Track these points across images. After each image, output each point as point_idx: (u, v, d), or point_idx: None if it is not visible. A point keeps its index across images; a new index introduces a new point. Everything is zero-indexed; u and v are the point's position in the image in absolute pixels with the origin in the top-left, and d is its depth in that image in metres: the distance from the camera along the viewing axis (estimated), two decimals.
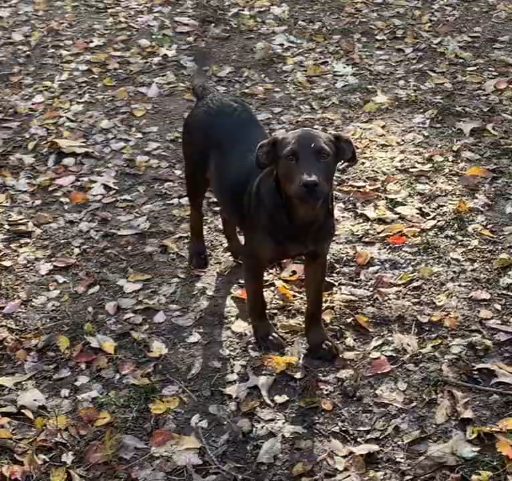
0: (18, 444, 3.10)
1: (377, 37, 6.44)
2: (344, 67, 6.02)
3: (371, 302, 3.71)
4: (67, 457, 3.04)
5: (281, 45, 6.39)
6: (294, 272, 3.91)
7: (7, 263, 4.09)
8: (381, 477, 2.86)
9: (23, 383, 3.39)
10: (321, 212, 3.15)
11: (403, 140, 5.00)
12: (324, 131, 3.33)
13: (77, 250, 4.17)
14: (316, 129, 3.34)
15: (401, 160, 4.78)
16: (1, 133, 5.25)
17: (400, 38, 6.43)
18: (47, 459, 3.04)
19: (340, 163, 3.27)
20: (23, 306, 3.82)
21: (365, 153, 4.86)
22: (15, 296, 3.88)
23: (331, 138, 3.08)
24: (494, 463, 2.86)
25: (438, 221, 4.22)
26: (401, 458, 2.92)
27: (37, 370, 3.45)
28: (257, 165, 3.15)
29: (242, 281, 3.78)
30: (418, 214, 4.30)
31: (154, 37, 6.54)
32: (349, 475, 2.87)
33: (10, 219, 4.42)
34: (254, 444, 3.06)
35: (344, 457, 2.95)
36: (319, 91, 5.69)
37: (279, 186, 3.12)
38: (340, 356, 3.41)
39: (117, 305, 3.78)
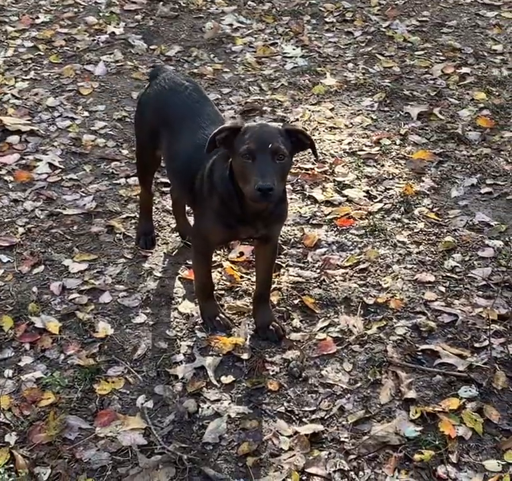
0: None
1: (327, 20, 6.44)
2: (293, 49, 6.01)
3: (318, 283, 3.73)
4: (11, 438, 3.01)
5: (231, 25, 6.36)
6: (242, 254, 3.91)
7: None
8: (326, 457, 2.88)
9: None
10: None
11: (351, 123, 5.02)
12: (282, 123, 3.29)
13: (21, 230, 4.11)
14: (270, 122, 3.30)
15: (349, 143, 4.80)
16: None
17: (349, 21, 6.44)
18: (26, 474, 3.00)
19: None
20: None
21: (313, 135, 4.86)
22: None
23: (287, 133, 3.05)
24: (437, 442, 2.91)
25: (385, 204, 4.25)
26: (345, 438, 2.95)
27: None
28: (206, 149, 3.10)
29: (190, 262, 3.77)
30: (365, 196, 4.33)
31: (101, 14, 6.44)
32: (294, 455, 2.89)
33: None
34: (200, 424, 3.06)
35: (289, 437, 2.97)
36: (268, 73, 5.68)
37: (233, 175, 3.11)
38: (287, 337, 3.42)
39: (62, 285, 3.74)
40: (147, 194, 3.99)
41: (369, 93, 5.36)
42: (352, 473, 2.81)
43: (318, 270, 3.82)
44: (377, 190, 4.38)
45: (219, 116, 3.56)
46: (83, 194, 4.39)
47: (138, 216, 4.10)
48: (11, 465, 2.90)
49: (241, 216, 3.17)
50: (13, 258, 3.93)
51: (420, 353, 3.31)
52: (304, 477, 2.81)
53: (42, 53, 5.88)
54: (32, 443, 2.98)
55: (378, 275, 3.76)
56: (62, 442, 2.98)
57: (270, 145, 2.96)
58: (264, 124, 3.19)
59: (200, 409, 3.12)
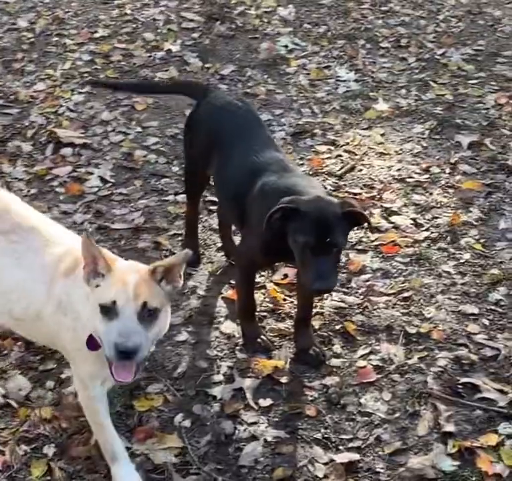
0: (0, 434, 3.09)
1: (382, 45, 6.45)
2: (347, 73, 6.03)
3: (360, 310, 3.72)
4: (49, 450, 3.05)
5: (286, 46, 6.39)
6: (285, 276, 3.92)
7: None
8: None
9: (9, 372, 3.39)
10: None
11: (401, 149, 5.02)
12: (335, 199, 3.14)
13: None
14: (328, 196, 3.20)
15: (398, 169, 4.80)
16: (1, 119, 5.24)
17: (404, 47, 6.43)
18: (29, 451, 3.05)
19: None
20: None
21: (363, 160, 4.87)
22: None
23: (346, 214, 3.03)
24: (473, 478, 2.88)
25: (432, 233, 4.23)
26: (381, 468, 2.94)
27: (24, 360, 3.45)
28: (264, 227, 3.07)
29: (234, 282, 3.79)
30: (412, 224, 4.31)
31: (159, 31, 6.53)
32: None
33: None
34: (236, 446, 3.07)
35: (325, 464, 2.97)
36: (320, 95, 5.70)
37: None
38: (327, 363, 3.42)
39: None
40: (194, 212, 4.02)
41: (421, 120, 5.34)
42: None
43: (361, 297, 3.81)
44: (424, 218, 4.36)
45: (271, 140, 3.59)
46: (132, 209, 4.44)
47: (184, 233, 4.13)
48: (48, 478, 2.93)
49: (286, 246, 3.18)
50: None
51: (460, 386, 3.28)
52: None
53: (99, 67, 5.97)
54: (70, 456, 3.01)
55: (422, 304, 3.74)
56: (100, 457, 3.00)
57: (328, 240, 2.98)
58: (321, 208, 3.05)
59: (236, 431, 3.13)
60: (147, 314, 2.48)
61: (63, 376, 3.36)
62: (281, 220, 3.04)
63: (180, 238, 4.19)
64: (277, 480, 2.92)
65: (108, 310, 2.45)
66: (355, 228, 3.27)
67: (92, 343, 2.61)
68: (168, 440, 3.08)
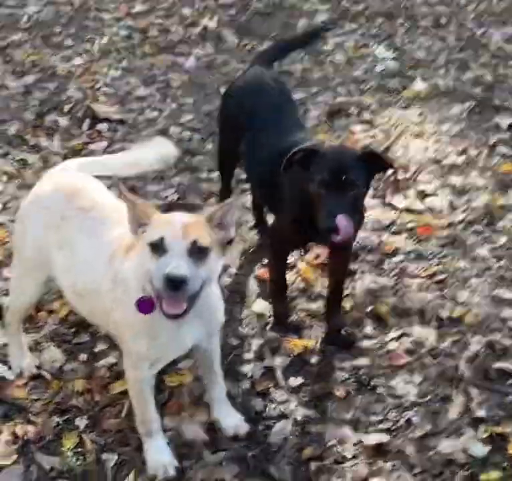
0: (33, 405, 3.14)
1: (421, 23, 6.36)
2: (385, 51, 5.96)
3: (393, 292, 3.71)
4: (81, 422, 3.09)
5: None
6: (318, 256, 3.91)
7: None
8: (390, 469, 2.86)
9: (43, 344, 3.43)
10: None
11: (438, 130, 4.96)
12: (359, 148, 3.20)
13: None
14: (344, 145, 3.23)
15: (435, 150, 4.74)
16: (39, 93, 5.27)
17: (443, 25, 6.34)
18: (61, 422, 3.09)
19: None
20: None
21: (399, 140, 4.82)
22: None
23: (363, 157, 3.03)
24: (505, 464, 2.86)
25: (468, 215, 4.19)
26: (410, 451, 2.93)
27: (57, 333, 3.48)
28: (283, 167, 3.11)
29: (266, 261, 3.79)
30: (447, 206, 4.28)
31: (196, 7, 6.50)
32: (357, 464, 2.88)
33: None
34: (266, 424, 3.08)
35: (354, 445, 2.97)
36: (357, 74, 5.65)
37: None
38: (358, 344, 3.42)
39: None
40: (227, 190, 4.02)
41: (459, 101, 5.27)
42: None
43: (394, 279, 3.79)
44: (460, 201, 4.32)
45: (301, 122, 3.57)
46: (166, 186, 4.45)
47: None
48: (80, 449, 2.97)
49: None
50: None
51: (493, 372, 3.26)
52: None
53: (136, 43, 5.97)
54: (101, 429, 3.05)
55: (455, 288, 3.72)
56: (131, 430, 3.02)
57: (344, 177, 2.95)
58: (340, 150, 3.15)
59: (266, 409, 3.14)
60: (197, 251, 2.46)
61: (96, 350, 3.40)
62: (301, 164, 3.05)
63: None
64: (306, 459, 2.92)
65: (157, 248, 2.45)
66: (379, 173, 3.22)
67: (143, 305, 2.60)
68: (197, 416, 3.09)
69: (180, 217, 2.56)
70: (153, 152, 3.26)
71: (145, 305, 2.58)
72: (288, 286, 3.58)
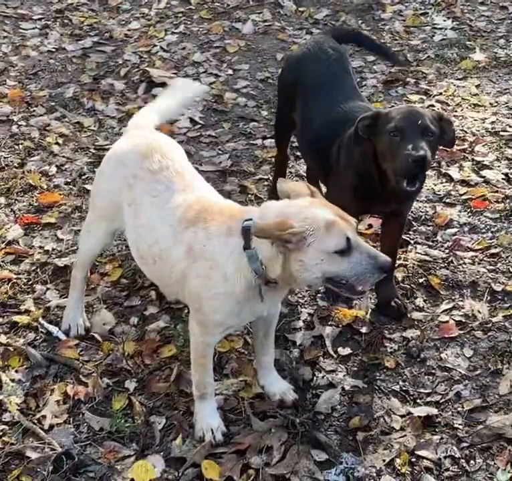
0: (84, 366, 3.18)
1: None
2: (444, 21, 5.87)
3: (445, 264, 3.67)
4: (130, 384, 3.11)
5: None
6: (370, 226, 3.89)
7: (90, 187, 4.13)
8: (437, 441, 2.86)
9: (95, 306, 3.46)
10: None
11: (497, 102, 4.88)
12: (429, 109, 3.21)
13: None
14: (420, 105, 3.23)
15: (492, 122, 4.67)
16: (96, 56, 5.28)
17: None
18: (111, 384, 3.12)
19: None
20: None
21: (456, 111, 4.76)
22: None
23: (436, 117, 3.02)
24: None
25: None
26: (459, 424, 2.92)
27: (109, 296, 3.52)
28: (354, 141, 3.08)
29: None
30: (503, 179, 4.22)
31: None
32: (405, 435, 2.88)
33: (96, 143, 4.47)
34: (314, 393, 3.08)
35: (402, 416, 2.96)
36: (415, 43, 5.57)
37: (375, 156, 3.08)
38: (408, 315, 3.40)
39: None
40: (282, 157, 4.00)
41: None
42: (463, 461, 2.79)
43: (447, 251, 3.76)
44: None
45: (357, 91, 3.52)
46: (220, 152, 4.44)
47: (271, 178, 4.12)
48: (129, 411, 3.00)
49: (376, 193, 3.15)
50: None
51: None
52: (413, 459, 2.80)
53: (193, 8, 5.94)
54: (150, 392, 3.08)
55: (509, 262, 3.67)
56: (179, 394, 3.05)
57: (419, 122, 2.93)
58: (410, 105, 3.14)
59: (314, 378, 3.14)
60: None
61: (146, 313, 3.42)
62: (365, 132, 3.04)
63: (266, 183, 4.18)
64: (353, 429, 2.93)
65: (345, 250, 2.50)
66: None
67: None
68: (246, 382, 3.11)
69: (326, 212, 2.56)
70: (187, 89, 3.37)
71: None
72: None
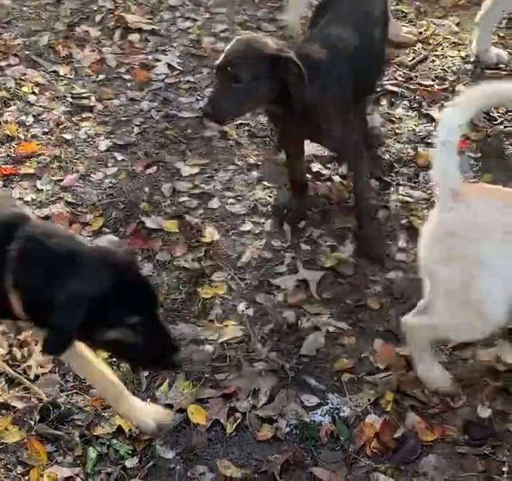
0: None
1: None
2: None
3: (427, 205, 3.66)
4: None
5: None
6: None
7: (68, 136, 4.11)
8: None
9: None
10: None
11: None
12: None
13: (136, 129, 4.16)
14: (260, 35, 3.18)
15: (473, 61, 4.62)
16: (70, 3, 5.16)
17: None
18: None
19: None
20: (80, 180, 3.85)
21: (436, 50, 4.70)
22: (74, 170, 3.91)
23: (269, 56, 2.91)
24: None
25: (506, 127, 4.10)
26: (443, 362, 2.94)
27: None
28: None
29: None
30: (484, 118, 4.18)
31: None
32: (390, 375, 2.91)
33: (73, 92, 4.41)
34: (298, 336, 3.10)
35: (386, 356, 2.98)
36: None
37: None
38: (391, 257, 3.40)
39: (173, 187, 3.79)
40: None
41: None
42: (447, 398, 2.82)
43: (429, 191, 3.74)
44: (498, 112, 4.21)
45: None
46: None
47: (252, 123, 4.08)
48: (114, 360, 3.00)
49: None
50: (127, 157, 3.99)
51: None
52: (398, 397, 2.83)
53: None
54: None
55: None
56: None
57: (229, 68, 2.91)
58: (245, 40, 3.02)
59: (299, 322, 3.16)
60: None
61: None
62: None
63: (247, 128, 4.13)
64: (339, 371, 2.95)
65: None
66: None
67: None
68: (230, 328, 3.12)
69: None
70: None
71: None
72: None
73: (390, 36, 3.95)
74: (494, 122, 4.14)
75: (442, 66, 4.57)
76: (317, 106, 3.09)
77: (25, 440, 2.76)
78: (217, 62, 2.99)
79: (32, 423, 2.79)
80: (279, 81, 2.95)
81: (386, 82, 4.38)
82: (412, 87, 4.39)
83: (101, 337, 2.26)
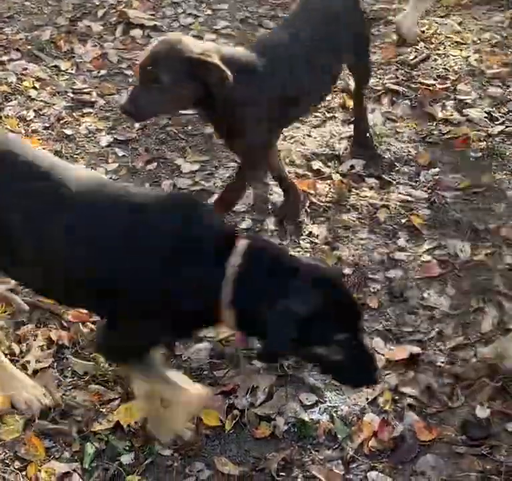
0: (67, 311, 3.17)
1: None
2: None
3: (428, 204, 3.67)
4: None
5: None
6: (352, 167, 3.86)
7: (69, 131, 4.11)
8: (420, 379, 2.88)
9: None
10: None
11: (479, 39, 4.82)
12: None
13: (137, 125, 4.15)
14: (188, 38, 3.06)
15: (475, 60, 4.62)
16: None
17: None
18: (94, 329, 3.11)
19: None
20: None
21: (438, 49, 4.70)
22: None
23: (189, 58, 2.88)
24: None
25: (507, 127, 4.10)
26: (442, 362, 2.94)
27: None
28: None
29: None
30: (486, 117, 4.18)
31: None
32: (388, 374, 2.91)
33: (74, 87, 4.41)
34: None
35: (385, 355, 2.98)
36: None
37: None
38: (391, 256, 3.40)
39: (173, 184, 3.79)
40: None
41: (501, 8, 5.10)
42: (445, 397, 2.82)
43: (429, 191, 3.75)
44: (500, 112, 4.22)
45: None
46: None
47: None
48: None
49: None
50: (128, 153, 3.99)
51: None
52: (397, 397, 2.83)
53: None
54: None
55: (492, 200, 3.66)
56: None
57: (150, 68, 2.88)
58: (169, 41, 2.99)
59: None
60: None
61: None
62: None
63: None
64: None
65: None
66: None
67: None
68: None
69: None
70: None
71: None
72: None
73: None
74: (495, 122, 4.14)
75: (444, 65, 4.57)
76: (237, 110, 3.07)
77: (23, 436, 2.75)
78: (140, 61, 2.99)
79: (31, 418, 2.79)
80: (202, 83, 2.92)
81: (387, 81, 4.38)
82: (413, 86, 4.39)
83: (309, 351, 2.32)
